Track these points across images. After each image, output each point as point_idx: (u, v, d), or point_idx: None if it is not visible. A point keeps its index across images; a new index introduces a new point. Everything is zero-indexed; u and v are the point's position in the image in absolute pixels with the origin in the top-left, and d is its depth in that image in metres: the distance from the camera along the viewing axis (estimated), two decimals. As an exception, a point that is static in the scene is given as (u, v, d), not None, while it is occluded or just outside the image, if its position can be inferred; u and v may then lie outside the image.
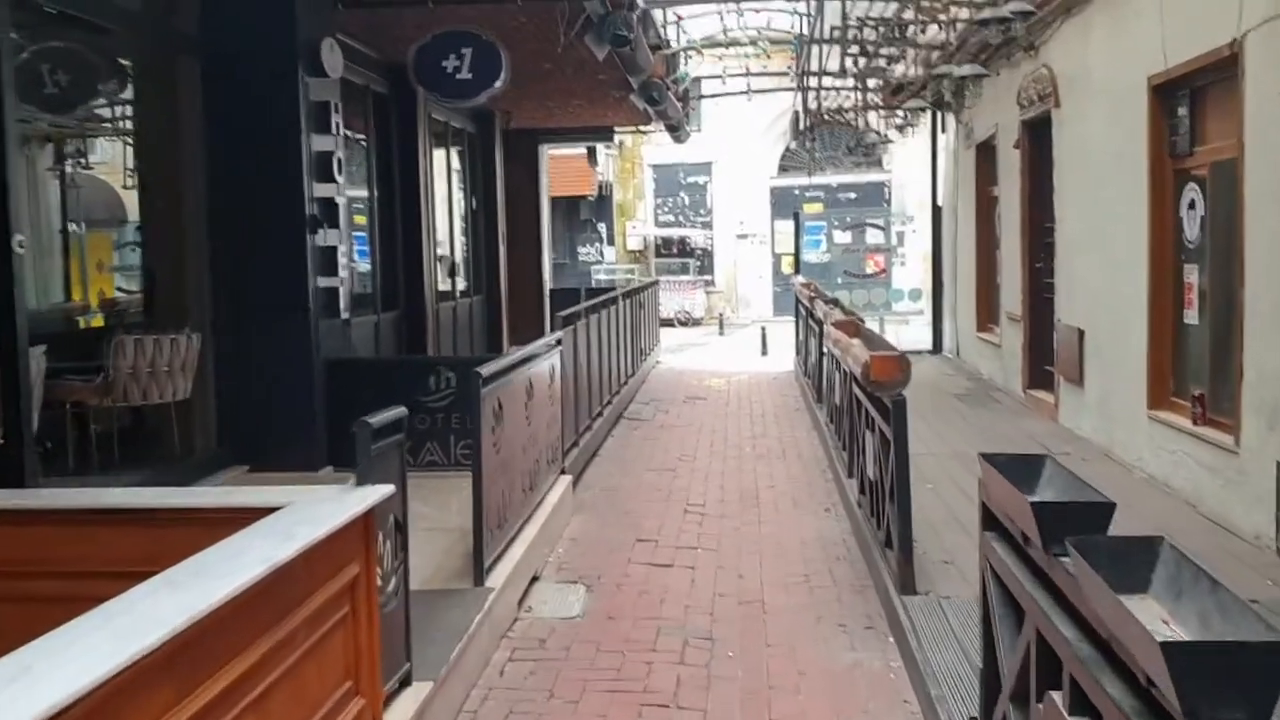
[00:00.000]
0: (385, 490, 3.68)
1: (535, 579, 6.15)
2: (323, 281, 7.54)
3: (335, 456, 7.63)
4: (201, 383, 7.29)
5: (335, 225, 7.65)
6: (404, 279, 11.16)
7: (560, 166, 24.77)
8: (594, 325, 10.06)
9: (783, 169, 27.12)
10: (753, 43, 13.71)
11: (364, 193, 10.75)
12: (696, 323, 25.74)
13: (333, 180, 7.60)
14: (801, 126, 18.56)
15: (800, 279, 14.71)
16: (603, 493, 8.20)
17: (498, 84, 7.66)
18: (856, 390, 6.81)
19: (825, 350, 9.94)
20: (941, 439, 9.40)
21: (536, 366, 6.67)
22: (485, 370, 5.25)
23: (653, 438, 10.54)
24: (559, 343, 7.51)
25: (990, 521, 3.39)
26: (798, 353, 15.02)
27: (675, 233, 27.41)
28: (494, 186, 14.62)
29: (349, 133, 10.34)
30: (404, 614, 4.10)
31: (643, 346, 14.74)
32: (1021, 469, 3.18)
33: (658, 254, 27.45)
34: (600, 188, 26.65)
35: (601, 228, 27.63)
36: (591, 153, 19.61)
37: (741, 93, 16.60)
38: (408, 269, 11.18)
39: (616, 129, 17.17)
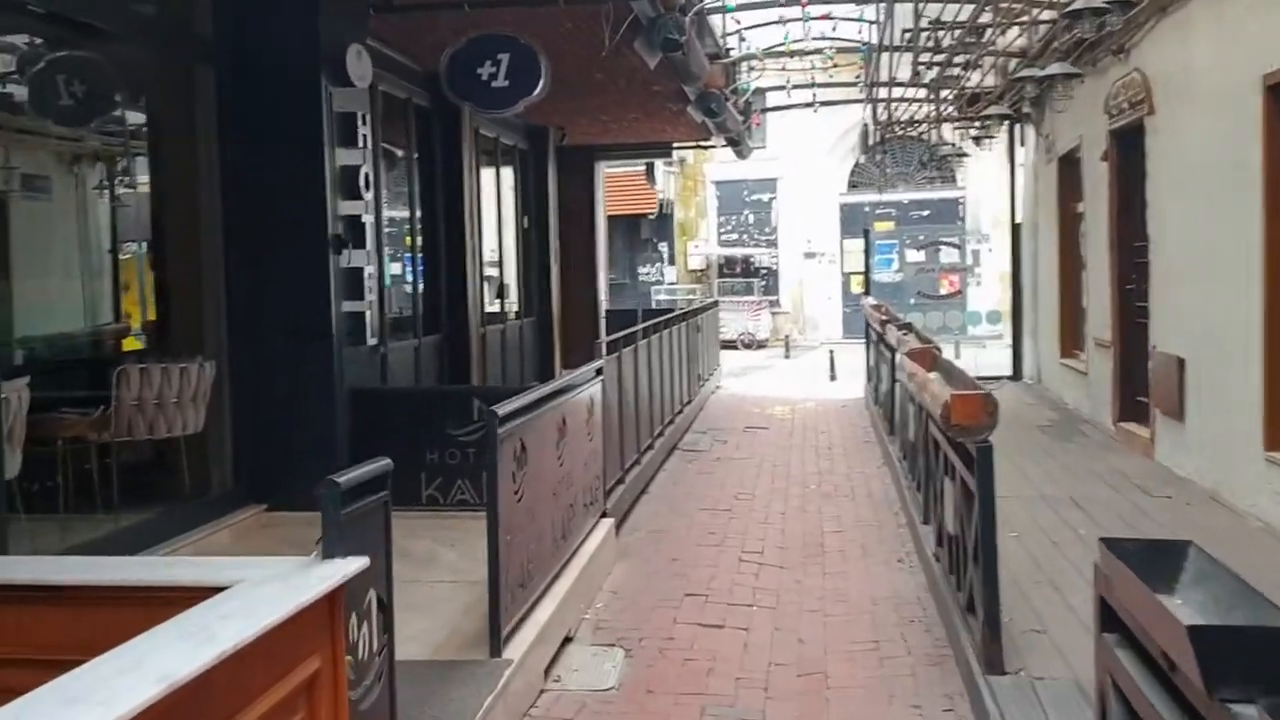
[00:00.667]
0: (357, 565, 3.03)
1: (568, 640, 5.47)
2: (348, 306, 6.97)
3: (360, 495, 7.03)
4: (216, 415, 6.75)
5: (362, 245, 7.09)
6: (447, 301, 10.60)
7: (619, 184, 24.26)
8: (647, 349, 9.39)
9: (852, 185, 26.27)
10: (818, 51, 12.97)
11: (405, 212, 10.23)
12: (761, 345, 24.95)
13: (359, 197, 7.04)
14: (871, 140, 17.74)
15: (871, 300, 13.91)
16: (650, 537, 7.50)
17: (536, 92, 7.05)
18: (934, 429, 6.04)
19: (898, 379, 9.16)
20: (1025, 478, 8.56)
21: (572, 399, 6.01)
22: (503, 408, 4.59)
23: (708, 472, 9.82)
24: (599, 372, 6.84)
25: (1111, 621, 2.63)
26: (868, 379, 14.18)
27: (739, 252, 26.68)
28: (547, 205, 14.05)
29: (389, 148, 9.84)
30: (388, 706, 3.44)
31: (701, 371, 14.04)
32: (1157, 560, 2.43)
33: (720, 274, 26.73)
34: (661, 206, 26.05)
35: (662, 247, 27.00)
36: (649, 169, 19.02)
37: (806, 105, 15.84)
38: (451, 291, 10.61)
39: (676, 145, 16.54)
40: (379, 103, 8.95)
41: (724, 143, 15.21)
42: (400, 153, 10.07)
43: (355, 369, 7.06)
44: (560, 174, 14.69)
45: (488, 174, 12.57)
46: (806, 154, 25.29)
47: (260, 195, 6.78)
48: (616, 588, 6.37)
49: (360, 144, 7.04)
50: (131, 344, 8.68)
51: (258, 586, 2.80)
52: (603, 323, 16.21)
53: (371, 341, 7.13)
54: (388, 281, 9.84)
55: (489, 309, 12.44)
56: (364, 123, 7.08)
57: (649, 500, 8.56)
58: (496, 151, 12.60)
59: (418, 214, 10.19)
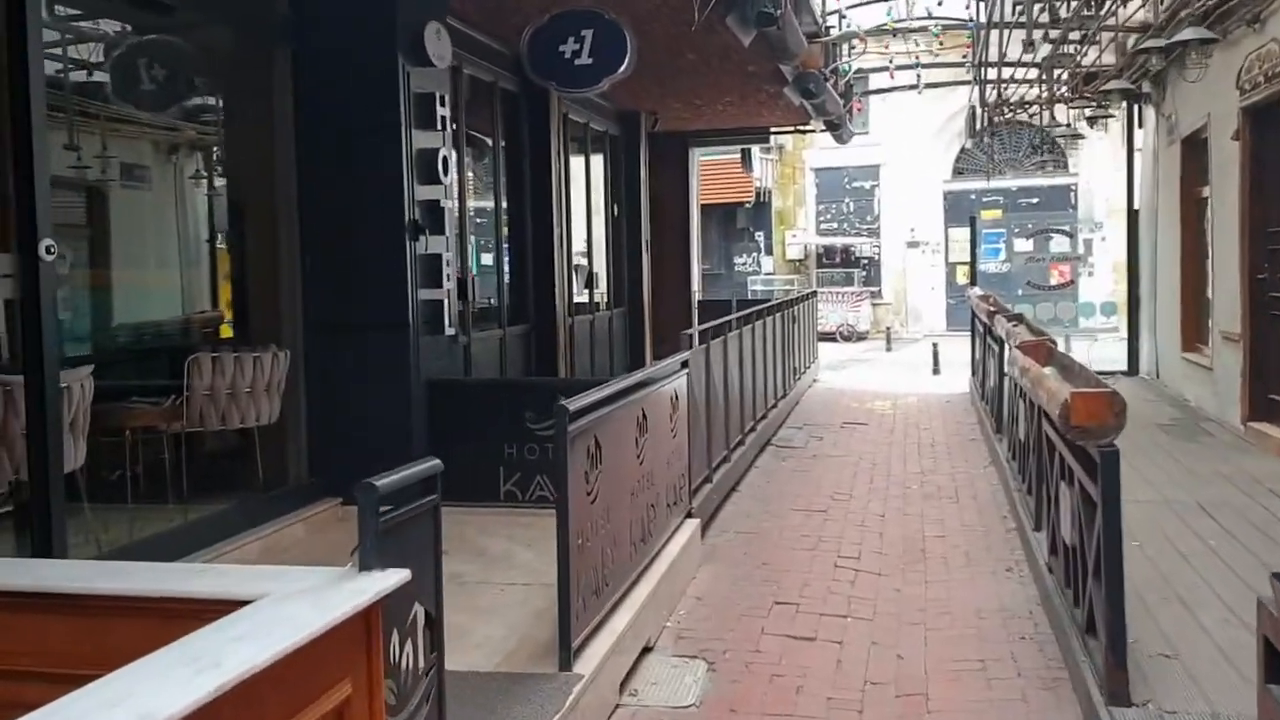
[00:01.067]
0: (397, 578, 2.71)
1: (647, 649, 5.13)
2: (425, 294, 6.71)
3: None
4: (292, 405, 6.56)
5: (441, 231, 6.83)
6: (534, 290, 10.34)
7: (715, 172, 23.81)
8: (738, 341, 8.99)
9: (957, 172, 25.39)
10: (923, 29, 12.36)
11: (491, 199, 9.99)
12: (861, 337, 24.28)
13: (438, 181, 6.77)
14: (978, 124, 16.98)
15: (977, 291, 13.26)
16: (739, 538, 7.11)
17: (621, 69, 6.70)
18: (1048, 429, 5.53)
19: (1007, 374, 8.60)
20: (1146, 481, 7.93)
21: (654, 393, 5.65)
22: (575, 403, 4.25)
23: (803, 470, 9.37)
24: (685, 365, 6.47)
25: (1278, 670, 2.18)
26: (973, 373, 13.55)
27: (839, 241, 26.01)
28: (638, 192, 13.71)
29: (475, 133, 9.61)
30: (438, 731, 3.13)
31: (797, 364, 13.56)
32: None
33: (819, 264, 26.10)
34: (758, 194, 25.51)
35: (759, 236, 26.46)
36: (745, 156, 18.52)
37: (910, 87, 15.21)
38: (538, 280, 10.34)
39: (773, 130, 16.04)
40: (463, 86, 8.72)
41: (823, 127, 14.68)
42: (486, 138, 9.82)
43: (433, 359, 6.81)
44: (652, 161, 14.34)
45: (577, 160, 12.29)
46: (910, 139, 24.51)
47: (336, 180, 6.57)
48: (701, 593, 6.00)
49: (439, 126, 6.77)
50: (226, 332, 8.59)
51: (282, 603, 2.50)
52: (695, 313, 15.82)
53: (450, 331, 6.87)
54: (474, 269, 9.63)
55: (577, 299, 12.17)
56: (443, 104, 6.82)
57: (739, 499, 8.16)
58: (586, 137, 12.30)
59: (504, 201, 9.94)
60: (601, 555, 4.61)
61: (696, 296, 16.15)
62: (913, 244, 25.58)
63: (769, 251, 26.30)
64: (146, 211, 8.61)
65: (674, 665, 5.01)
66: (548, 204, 10.32)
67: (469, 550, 6.00)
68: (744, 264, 26.36)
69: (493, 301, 9.89)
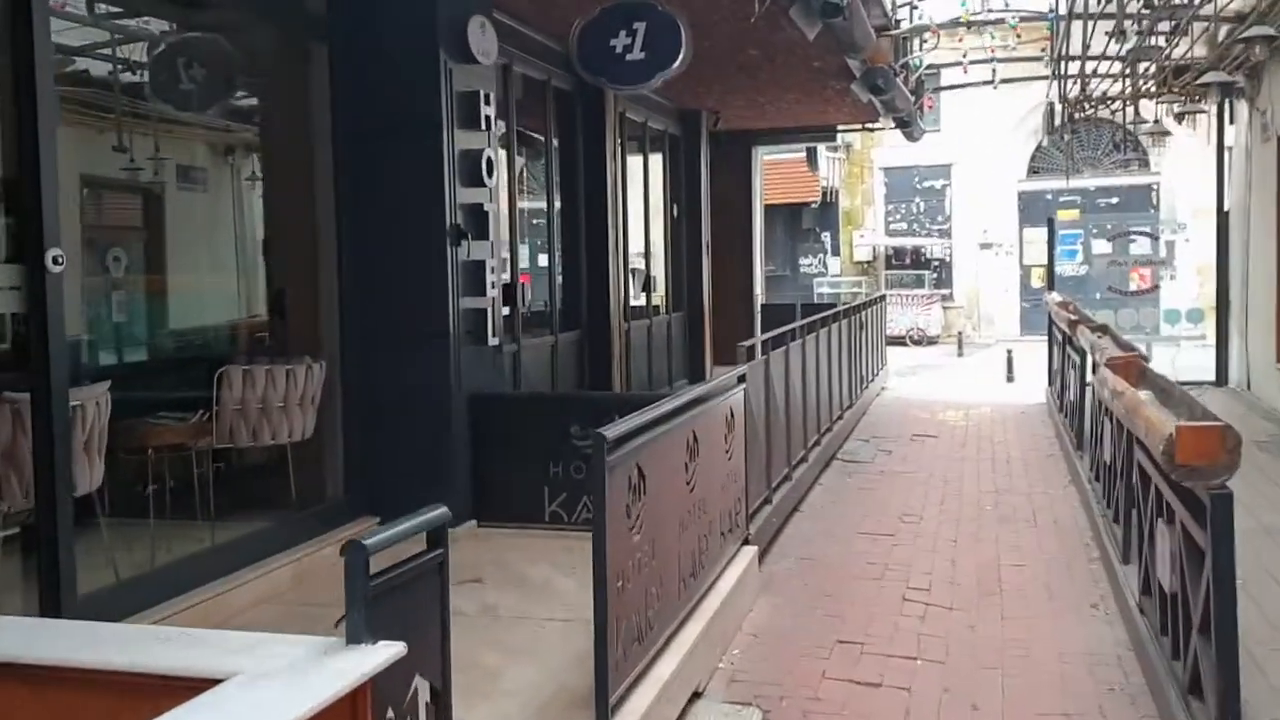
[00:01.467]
0: (388, 654, 2.33)
1: (697, 695, 4.71)
2: (468, 302, 6.36)
3: (481, 509, 6.46)
4: (328, 420, 6.25)
5: (484, 236, 6.47)
6: (588, 295, 9.96)
7: (779, 171, 23.28)
8: (801, 351, 8.53)
9: (1033, 171, 24.54)
10: (999, 21, 11.76)
11: (543, 201, 9.64)
12: (932, 342, 23.58)
13: (481, 184, 6.42)
14: (1057, 121, 16.25)
15: (1056, 297, 12.61)
16: (799, 566, 6.65)
17: (675, 64, 6.29)
18: (1141, 457, 5.01)
19: (1093, 390, 8.04)
20: (1243, 506, 7.26)
21: (706, 413, 5.23)
22: (614, 430, 3.85)
23: (870, 487, 8.88)
24: (743, 379, 6.03)
25: None
26: (1051, 383, 12.91)
27: (908, 242, 25.31)
28: (699, 193, 13.27)
29: (528, 132, 9.28)
30: (445, 816, 2.75)
31: (864, 372, 13.03)
32: None
33: (888, 265, 25.42)
34: (825, 194, 24.90)
35: (826, 237, 25.84)
36: (810, 155, 18.01)
37: (985, 83, 14.58)
38: (592, 284, 9.97)
39: (840, 128, 15.51)
40: (514, 84, 8.37)
41: (893, 125, 14.12)
42: (539, 137, 9.47)
43: (476, 371, 6.45)
44: (714, 160, 13.91)
45: (635, 160, 11.92)
46: (984, 137, 23.73)
47: (374, 182, 6.24)
48: (757, 629, 5.57)
49: (483, 126, 6.42)
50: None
51: (253, 686, 2.14)
52: (758, 318, 15.41)
53: (493, 341, 6.50)
54: (526, 274, 9.30)
55: (634, 303, 11.79)
56: (488, 103, 6.46)
57: (800, 521, 7.70)
58: (645, 136, 11.91)
59: (557, 203, 9.59)
60: (645, 597, 4.20)
61: (759, 300, 15.69)
62: (986, 245, 24.79)
63: (836, 253, 25.67)
64: (186, 214, 8.40)
65: (726, 713, 4.60)
66: (603, 205, 9.93)
67: (508, 578, 5.63)
68: (810, 266, 25.77)
69: (543, 307, 9.54)
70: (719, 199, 14.49)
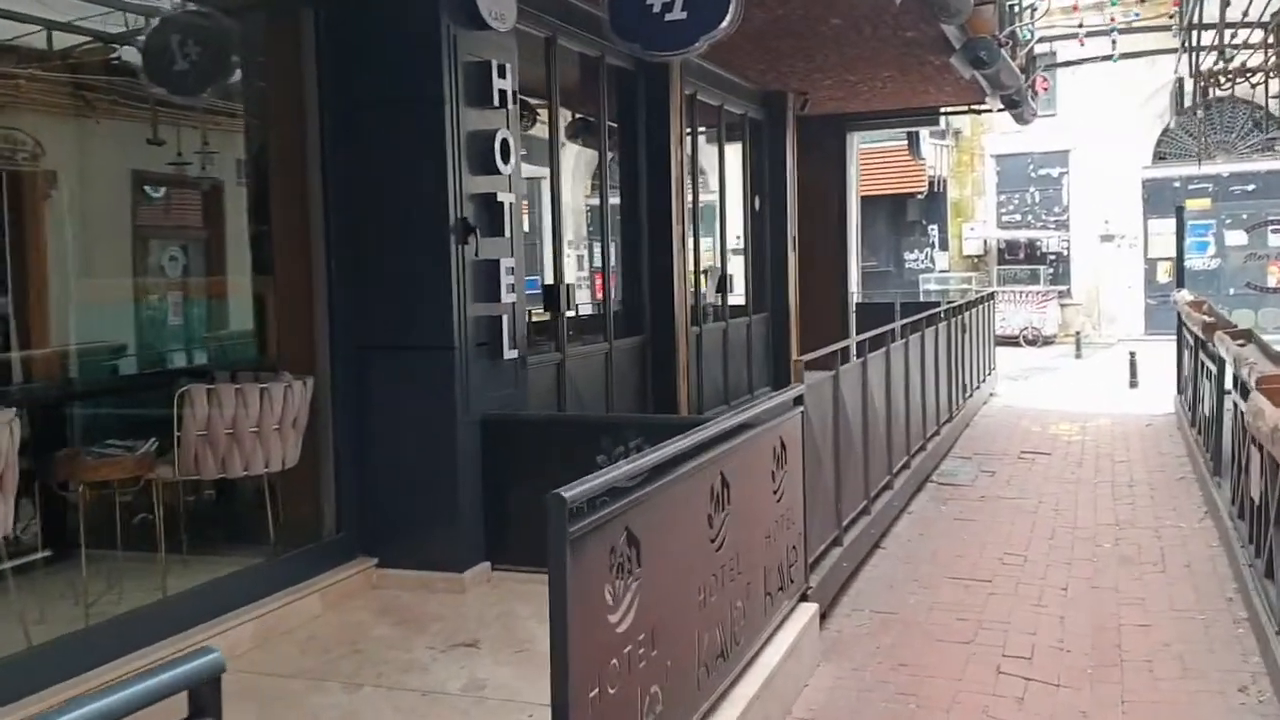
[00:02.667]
0: None
1: (725, 808, 3.70)
2: (478, 310, 5.44)
3: (494, 549, 5.54)
4: (316, 446, 5.40)
5: (500, 232, 5.55)
6: (650, 297, 8.97)
7: (879, 160, 21.97)
8: (884, 361, 7.43)
9: (1159, 157, 22.65)
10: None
11: (596, 194, 8.69)
12: (1048, 342, 21.93)
13: (495, 171, 5.49)
14: (1187, 101, 14.66)
15: (1186, 295, 11.17)
16: (873, 622, 5.55)
17: (723, 25, 5.26)
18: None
19: (1231, 401, 6.76)
20: None
21: (745, 447, 4.20)
22: (578, 489, 2.88)
23: (967, 517, 7.70)
24: (799, 402, 4.98)
25: None
26: (1180, 391, 11.47)
27: (1022, 235, 23.63)
28: (784, 183, 12.14)
29: (578, 114, 8.35)
30: None
31: (968, 380, 11.76)
32: None
33: (1000, 260, 23.78)
34: (931, 184, 23.40)
35: (932, 230, 24.32)
36: (912, 141, 16.69)
37: (1104, 57, 13.13)
38: (655, 284, 8.97)
39: (943, 110, 14.19)
40: (556, 60, 7.44)
41: (1000, 106, 12.77)
42: (592, 120, 8.52)
43: (489, 389, 5.52)
44: (802, 147, 12.76)
45: (709, 148, 10.90)
46: (1104, 121, 21.96)
47: (367, 170, 5.38)
48: (815, 708, 4.52)
49: (497, 102, 5.49)
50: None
51: None
52: (852, 318, 14.24)
53: (510, 354, 5.56)
54: (572, 274, 8.36)
55: (709, 303, 10.78)
56: (503, 75, 5.53)
57: (881, 561, 6.59)
58: (720, 121, 10.85)
59: (612, 195, 8.63)
60: (641, 701, 3.21)
61: (854, 299, 14.49)
62: (1107, 238, 22.98)
63: (943, 247, 24.12)
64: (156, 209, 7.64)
65: (755, 841, 3.57)
66: (667, 197, 8.92)
67: (509, 640, 4.70)
68: (915, 261, 24.27)
69: (598, 311, 8.58)
70: (808, 189, 13.34)
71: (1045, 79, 20.68)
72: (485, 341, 5.47)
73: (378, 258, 5.36)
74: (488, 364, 5.50)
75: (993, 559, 6.63)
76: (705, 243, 10.50)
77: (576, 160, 11.66)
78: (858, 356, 6.71)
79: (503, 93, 5.51)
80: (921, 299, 21.94)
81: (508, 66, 5.59)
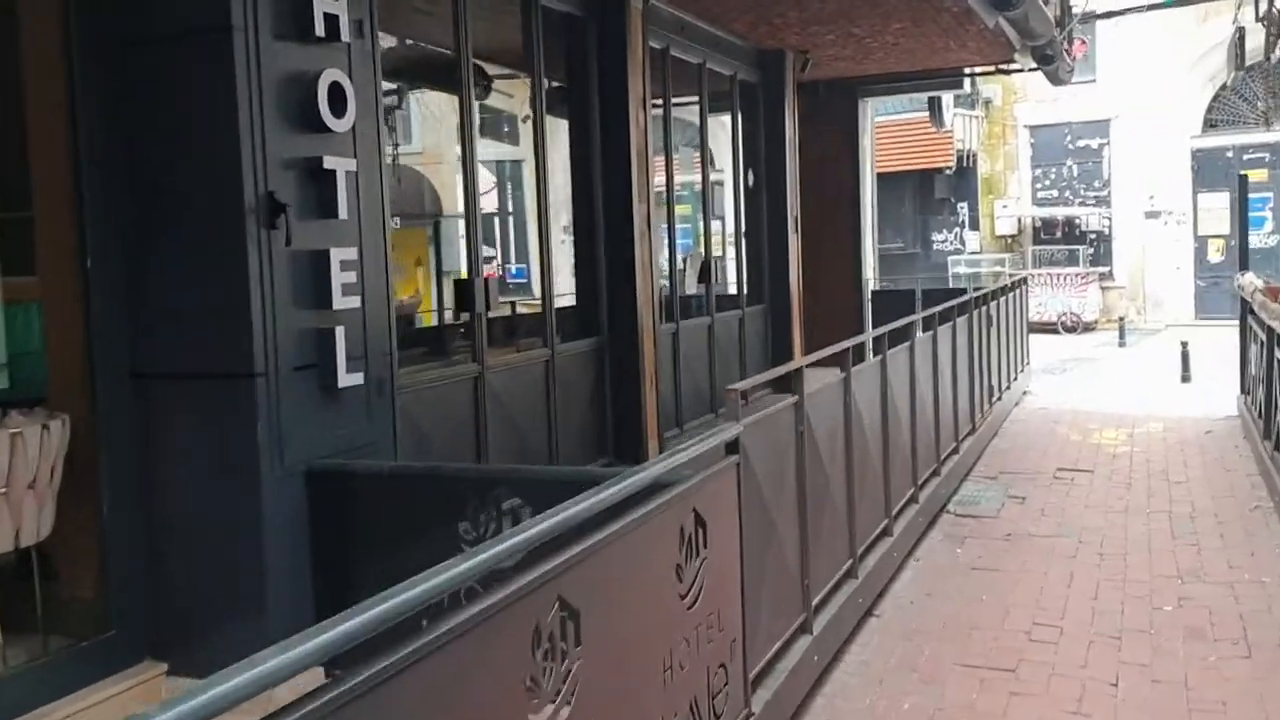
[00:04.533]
0: None
1: None
2: (295, 320, 3.96)
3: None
4: (82, 509, 3.94)
5: (334, 213, 4.06)
6: (609, 290, 7.46)
7: (904, 133, 20.37)
8: (880, 371, 5.90)
9: (1210, 124, 20.74)
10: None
11: (532, 164, 7.20)
12: (1088, 328, 20.17)
13: (321, 128, 4.00)
14: (1247, 59, 12.90)
15: (1252, 279, 9.50)
16: (847, 748, 4.04)
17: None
18: None
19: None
20: None
21: (613, 550, 2.69)
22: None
23: (988, 566, 6.13)
24: (733, 449, 3.47)
25: None
26: (1245, 391, 9.82)
27: (1059, 212, 21.79)
28: (782, 156, 10.55)
29: (494, 68, 6.85)
30: None
31: (997, 380, 10.17)
32: None
33: (1036, 240, 21.98)
34: (960, 158, 21.66)
35: (962, 208, 22.55)
36: (933, 108, 14.98)
37: (1149, 7, 11.42)
38: (614, 276, 7.46)
39: (967, 71, 12.51)
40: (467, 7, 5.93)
41: (1033, 64, 11.11)
42: (521, 75, 7.01)
43: (321, 430, 4.05)
44: (807, 117, 11.22)
45: (685, 112, 9.37)
46: (1149, 86, 20.07)
47: (134, 128, 3.90)
48: None
49: (321, 32, 3.99)
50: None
51: None
52: (868, 308, 12.66)
53: (348, 380, 4.07)
54: (494, 263, 6.84)
55: (688, 294, 9.29)
56: (335, -2, 4.03)
57: (871, 637, 5.06)
58: (702, 83, 9.28)
59: (549, 168, 7.11)
60: None
61: (870, 286, 12.90)
62: (1152, 214, 21.08)
63: (974, 226, 22.32)
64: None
65: None
66: (625, 170, 7.40)
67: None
68: (944, 242, 22.49)
69: (545, 308, 7.07)
70: (815, 164, 11.78)
71: (1083, 40, 18.92)
72: (310, 364, 3.99)
73: (155, 254, 3.89)
74: (315, 394, 4.02)
75: (1018, 632, 5.08)
76: (687, 226, 8.96)
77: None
78: (842, 371, 5.19)
79: (331, 18, 4.01)
80: (950, 283, 20.27)
81: (342, -16, 4.08)
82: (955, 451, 7.75)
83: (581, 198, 7.45)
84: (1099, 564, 6.08)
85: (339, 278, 4.04)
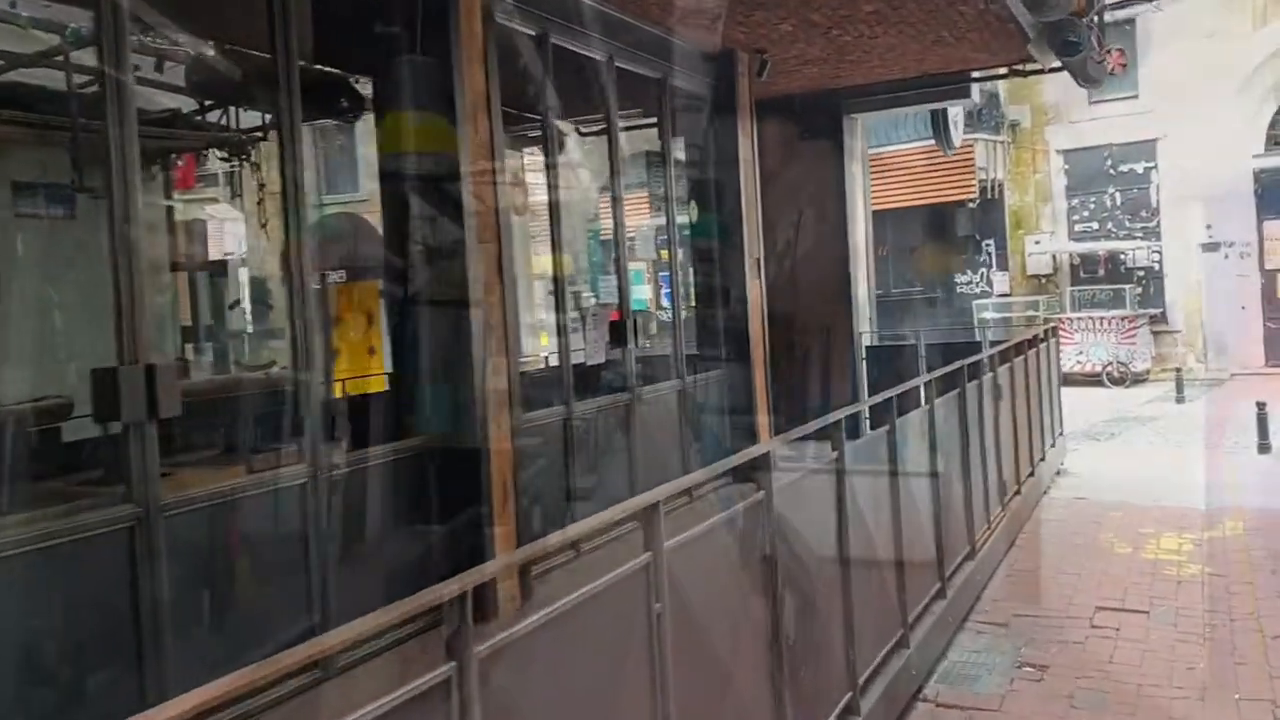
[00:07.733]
0: None
1: None
2: None
3: None
4: None
5: None
6: (431, 375, 5.21)
7: (918, 163, 18.08)
8: (835, 482, 3.62)
9: (1274, 141, 18.14)
10: None
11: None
12: (1139, 380, 17.58)
13: None
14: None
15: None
16: None
17: None
18: None
19: None
20: None
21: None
22: None
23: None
24: None
25: None
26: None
27: (1101, 247, 19.21)
28: (736, 183, 8.32)
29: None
30: None
31: (1017, 465, 7.79)
32: None
33: (1075, 279, 19.42)
34: (985, 190, 19.27)
35: (988, 246, 20.08)
36: (936, 126, 12.65)
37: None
38: (439, 354, 5.21)
39: (975, 74, 10.20)
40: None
41: (1053, 61, 8.80)
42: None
43: None
44: (780, 136, 9.06)
45: (591, 126, 7.18)
46: (1200, 100, 17.56)
47: None
48: None
49: None
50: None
51: None
52: (861, 366, 10.36)
53: None
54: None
55: (586, 363, 7.07)
56: None
57: None
58: (607, 88, 7.05)
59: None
60: None
61: (863, 341, 10.57)
62: (1210, 246, 18.44)
63: (1002, 266, 19.79)
64: None
65: None
66: (457, 205, 5.17)
67: None
68: (968, 284, 20.00)
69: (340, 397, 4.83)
70: (788, 194, 9.58)
71: (1121, 50, 16.62)
72: None
73: None
74: None
75: None
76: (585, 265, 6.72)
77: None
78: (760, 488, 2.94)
79: None
80: (977, 331, 17.82)
81: None
82: (941, 595, 5.36)
83: (393, 237, 5.25)
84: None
85: None
